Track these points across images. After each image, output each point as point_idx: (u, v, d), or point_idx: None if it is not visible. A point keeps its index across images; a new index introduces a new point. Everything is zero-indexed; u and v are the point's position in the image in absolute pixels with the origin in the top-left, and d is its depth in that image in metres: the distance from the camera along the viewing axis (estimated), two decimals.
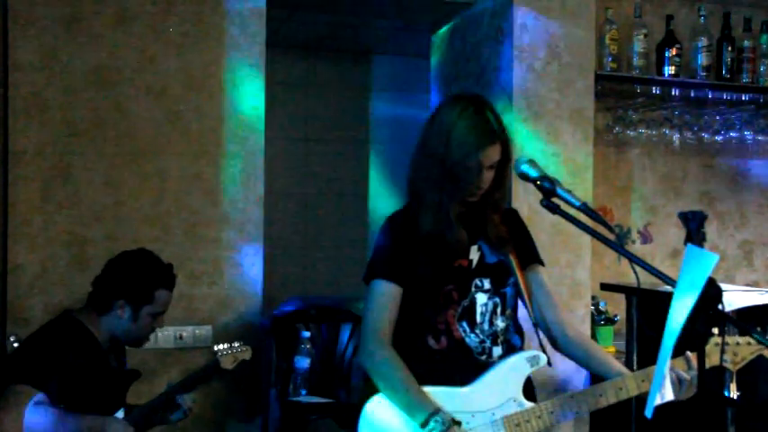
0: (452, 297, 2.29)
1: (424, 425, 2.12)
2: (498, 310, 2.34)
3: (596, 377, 2.38)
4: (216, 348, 2.89)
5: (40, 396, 2.40)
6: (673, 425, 2.80)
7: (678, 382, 2.20)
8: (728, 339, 2.30)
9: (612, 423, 3.38)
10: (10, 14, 3.14)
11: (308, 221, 5.15)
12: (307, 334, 3.39)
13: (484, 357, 2.30)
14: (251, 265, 3.44)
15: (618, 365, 2.33)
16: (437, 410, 2.13)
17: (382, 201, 5.19)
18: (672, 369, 2.21)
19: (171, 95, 3.33)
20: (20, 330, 3.06)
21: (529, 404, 2.25)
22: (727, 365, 2.30)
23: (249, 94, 3.43)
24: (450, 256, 2.30)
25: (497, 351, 2.32)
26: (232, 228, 3.41)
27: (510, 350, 2.34)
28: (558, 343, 2.39)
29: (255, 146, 3.45)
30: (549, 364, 2.29)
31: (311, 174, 5.16)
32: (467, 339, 2.29)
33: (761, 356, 2.32)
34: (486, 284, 2.33)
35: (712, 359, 2.24)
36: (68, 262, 3.21)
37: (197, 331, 3.36)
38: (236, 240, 3.41)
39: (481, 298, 2.32)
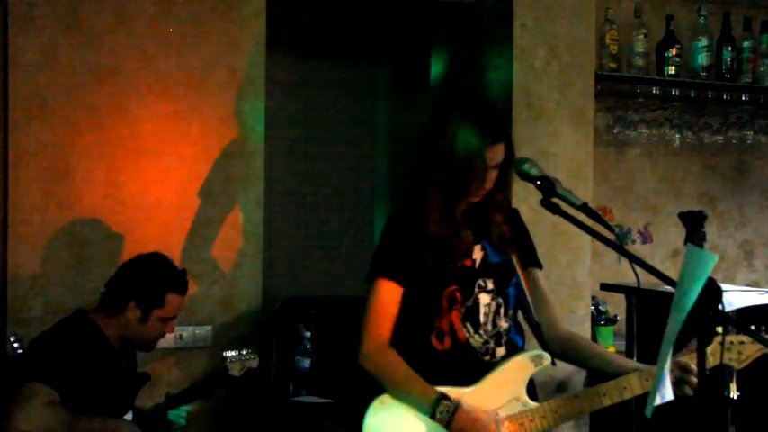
0: (456, 297, 2.28)
1: (432, 413, 2.13)
2: (501, 310, 2.33)
3: (594, 376, 2.38)
4: (225, 355, 2.89)
5: (53, 395, 2.40)
6: (673, 425, 2.80)
7: (693, 375, 2.20)
8: (733, 338, 2.29)
9: (612, 423, 3.38)
10: (10, 14, 3.14)
11: (308, 221, 5.14)
12: (307, 334, 3.38)
13: (488, 358, 2.30)
14: (251, 264, 3.44)
15: (615, 358, 2.34)
16: (442, 396, 2.14)
17: (382, 200, 5.19)
18: (683, 364, 2.21)
19: (171, 95, 3.33)
20: (20, 330, 3.06)
21: (533, 404, 2.25)
22: (732, 363, 2.30)
23: (249, 94, 3.43)
24: (454, 257, 2.29)
25: (501, 351, 2.32)
26: (232, 228, 3.41)
27: (513, 350, 2.34)
28: (546, 343, 2.39)
29: (255, 146, 3.45)
30: (553, 363, 2.30)
31: (311, 174, 5.16)
32: (471, 340, 2.28)
33: (764, 355, 2.31)
34: (490, 285, 2.32)
35: (716, 358, 2.24)
36: (68, 262, 3.21)
37: (197, 331, 3.36)
38: (236, 240, 3.41)
39: (484, 298, 2.31)
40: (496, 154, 2.23)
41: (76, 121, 3.23)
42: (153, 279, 2.69)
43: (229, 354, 2.88)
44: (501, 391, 2.25)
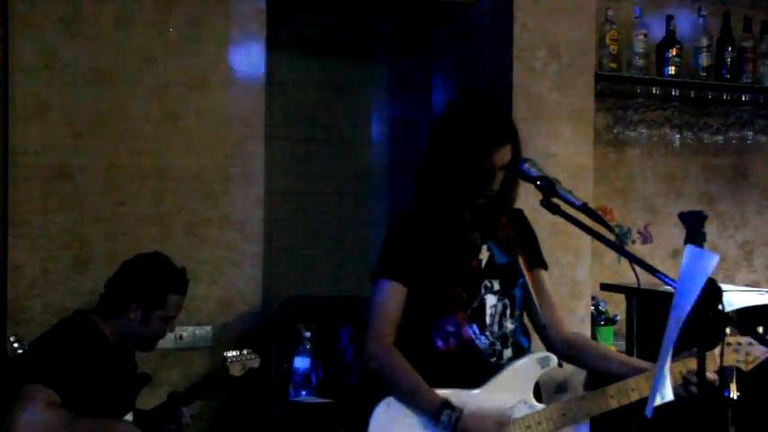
0: (462, 298, 2.27)
1: (436, 419, 2.12)
2: (507, 311, 2.33)
3: (595, 378, 2.38)
4: (226, 355, 2.89)
5: (53, 397, 2.40)
6: (673, 425, 2.80)
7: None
8: (741, 340, 2.29)
9: (613, 423, 3.38)
10: (10, 15, 3.15)
11: (307, 221, 5.14)
12: (307, 334, 3.38)
13: (494, 360, 2.29)
14: (251, 265, 3.44)
15: (620, 359, 2.34)
16: (446, 402, 2.13)
17: (382, 200, 5.18)
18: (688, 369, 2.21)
19: (171, 95, 3.33)
20: (20, 330, 3.06)
21: (539, 406, 2.25)
22: (740, 365, 2.30)
23: (249, 94, 3.43)
24: (460, 257, 2.29)
25: (507, 353, 2.31)
26: (232, 228, 3.41)
27: (519, 352, 2.33)
28: (551, 345, 2.39)
29: (255, 146, 3.45)
30: (560, 365, 2.29)
31: (311, 174, 5.16)
32: (477, 342, 2.27)
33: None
34: (496, 286, 2.32)
35: (725, 359, 2.24)
36: (68, 262, 3.21)
37: (197, 331, 3.36)
38: (236, 240, 3.41)
39: (490, 299, 2.31)
40: (504, 155, 2.22)
41: (76, 121, 3.23)
42: (154, 281, 2.69)
43: (230, 354, 2.88)
44: (508, 393, 2.24)
